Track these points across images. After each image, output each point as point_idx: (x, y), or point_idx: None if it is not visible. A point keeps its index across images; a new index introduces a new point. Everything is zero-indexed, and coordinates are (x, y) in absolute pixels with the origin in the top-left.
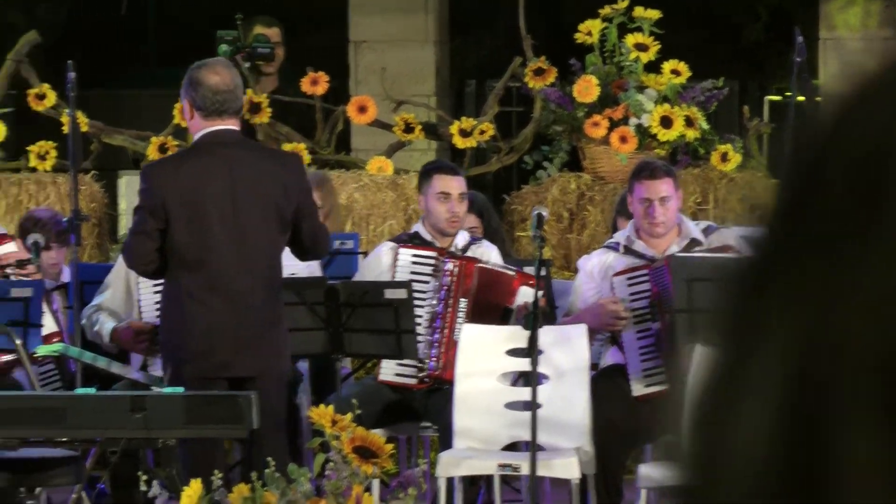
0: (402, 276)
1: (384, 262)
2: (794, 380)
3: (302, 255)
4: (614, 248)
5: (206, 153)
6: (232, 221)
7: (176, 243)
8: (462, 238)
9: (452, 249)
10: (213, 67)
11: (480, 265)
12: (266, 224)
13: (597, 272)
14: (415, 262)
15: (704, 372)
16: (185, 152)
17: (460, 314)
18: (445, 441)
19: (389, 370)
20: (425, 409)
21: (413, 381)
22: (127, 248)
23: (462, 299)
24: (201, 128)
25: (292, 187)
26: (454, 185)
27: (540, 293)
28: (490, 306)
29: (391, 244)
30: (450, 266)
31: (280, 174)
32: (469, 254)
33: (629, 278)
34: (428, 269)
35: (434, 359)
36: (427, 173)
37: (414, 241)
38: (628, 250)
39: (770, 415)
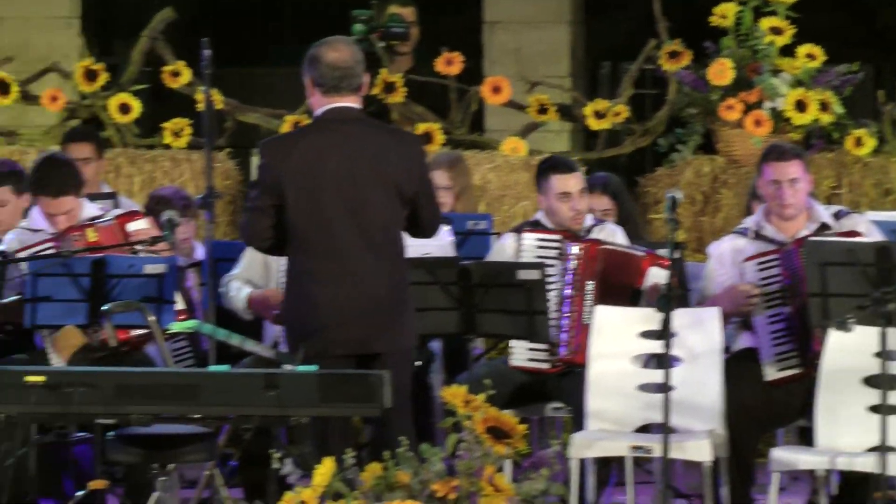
0: (526, 259)
1: (508, 250)
2: None
3: (416, 233)
4: (744, 233)
5: (325, 130)
6: (351, 198)
7: (293, 220)
8: (586, 220)
9: (577, 232)
10: (332, 44)
11: (605, 247)
12: (386, 200)
13: (727, 258)
14: (540, 247)
15: None
16: (304, 129)
17: (587, 297)
18: (578, 422)
19: (521, 355)
20: (557, 390)
21: (545, 366)
22: (242, 224)
23: (589, 282)
24: (321, 105)
25: (413, 166)
26: (573, 183)
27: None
28: (618, 288)
29: (513, 234)
30: (575, 249)
31: (400, 152)
32: (593, 235)
33: (759, 263)
34: (553, 253)
35: (565, 343)
36: (544, 172)
37: (535, 227)
38: (758, 235)
39: None
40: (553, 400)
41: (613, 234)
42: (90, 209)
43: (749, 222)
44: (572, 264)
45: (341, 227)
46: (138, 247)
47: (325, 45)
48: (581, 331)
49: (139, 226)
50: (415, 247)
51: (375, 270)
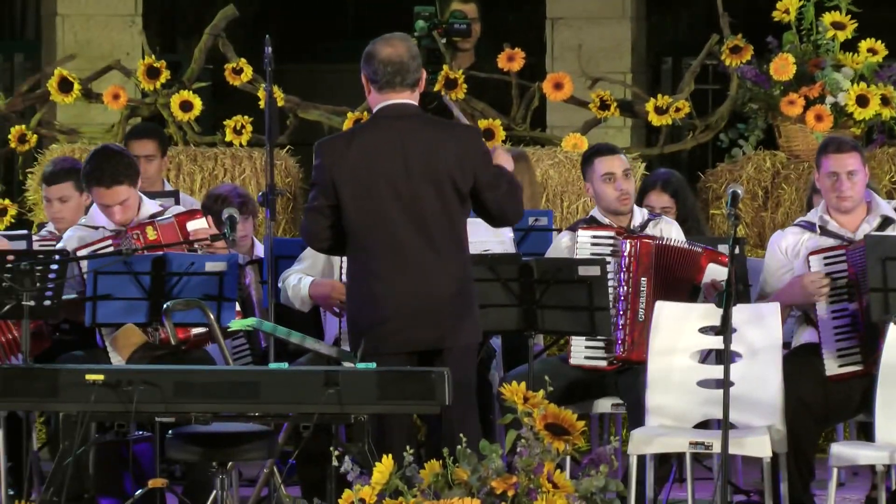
0: (582, 256)
1: (564, 248)
2: None
3: (492, 223)
4: (809, 227)
5: (379, 127)
6: (406, 195)
7: (350, 219)
8: (640, 216)
9: (632, 228)
10: (387, 40)
11: (659, 243)
12: (442, 195)
13: (791, 251)
14: (594, 244)
15: None
16: (358, 127)
17: (642, 294)
18: (636, 419)
19: (579, 353)
20: (614, 386)
21: (603, 364)
22: (302, 225)
23: (643, 278)
24: (377, 102)
25: (468, 159)
26: (616, 164)
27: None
28: (675, 284)
29: (569, 231)
30: (626, 246)
31: (454, 146)
32: (648, 231)
33: (826, 258)
34: (607, 250)
35: (620, 341)
36: (588, 159)
37: (591, 223)
38: (823, 230)
39: None
40: (611, 396)
41: (669, 229)
42: (150, 206)
43: (812, 216)
44: (626, 262)
45: (398, 224)
46: (198, 245)
47: (380, 41)
48: (636, 328)
49: (199, 224)
50: (476, 243)
51: (435, 266)
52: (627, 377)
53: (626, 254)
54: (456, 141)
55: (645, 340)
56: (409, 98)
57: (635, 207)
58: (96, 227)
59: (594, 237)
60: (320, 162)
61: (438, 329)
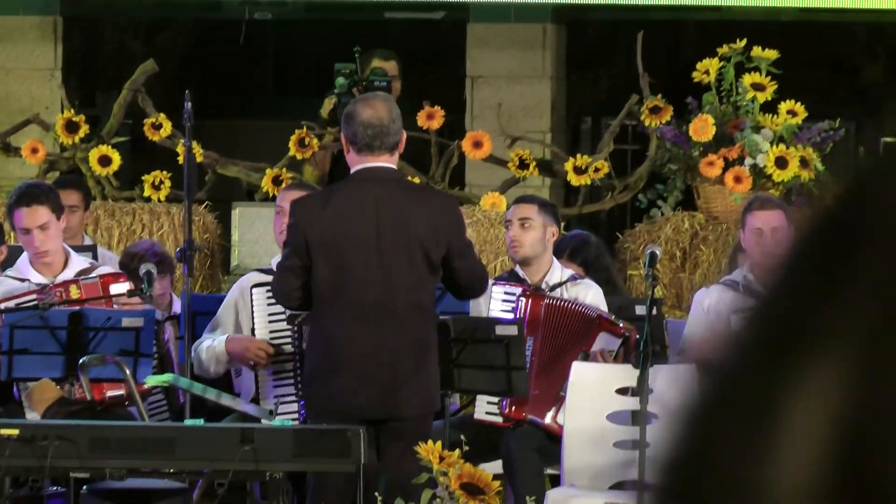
0: (494, 311)
1: (480, 300)
2: (845, 427)
3: (458, 294)
4: (733, 286)
5: (355, 190)
6: (376, 261)
7: (318, 281)
8: (559, 274)
9: (543, 286)
10: (368, 101)
11: (549, 302)
12: (411, 264)
13: (713, 309)
14: (504, 300)
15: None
16: (334, 188)
17: (528, 351)
18: (511, 481)
19: (482, 409)
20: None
21: (499, 419)
22: (273, 283)
23: (530, 337)
24: (355, 163)
25: (443, 227)
26: (516, 211)
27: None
28: (564, 346)
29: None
30: (521, 303)
31: (429, 214)
32: (562, 291)
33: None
34: (509, 307)
35: (505, 399)
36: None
37: (511, 278)
38: (746, 289)
39: (818, 456)
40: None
41: (586, 292)
42: (77, 261)
43: (737, 275)
44: (517, 317)
45: (364, 288)
46: (115, 300)
47: (361, 101)
48: None
49: (122, 288)
50: None
51: (399, 334)
52: (508, 437)
53: (519, 311)
54: (432, 209)
55: (527, 400)
56: (388, 161)
57: (556, 266)
58: (22, 280)
59: (505, 293)
60: (294, 221)
61: (393, 397)
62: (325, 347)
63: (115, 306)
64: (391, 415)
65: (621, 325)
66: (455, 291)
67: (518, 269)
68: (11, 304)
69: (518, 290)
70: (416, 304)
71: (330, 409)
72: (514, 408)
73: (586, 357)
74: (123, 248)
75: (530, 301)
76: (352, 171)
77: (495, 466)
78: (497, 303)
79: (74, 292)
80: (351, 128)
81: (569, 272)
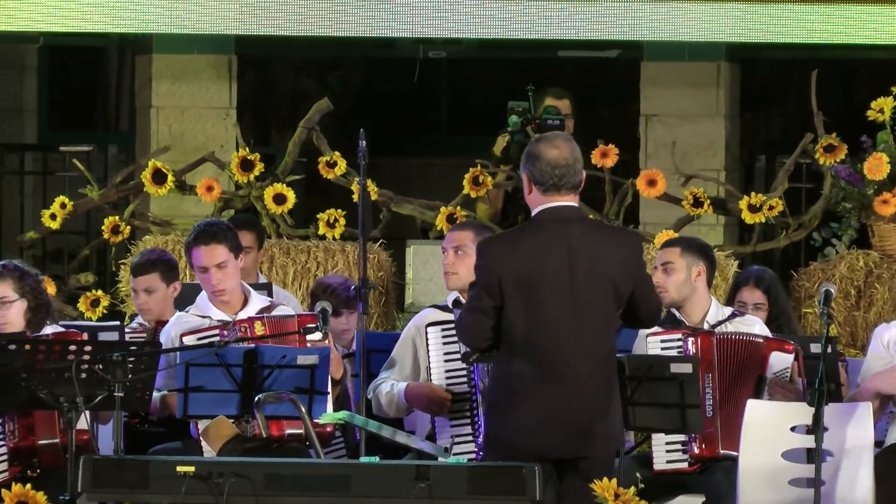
0: None
1: (639, 350)
2: None
3: (634, 324)
4: None
5: (544, 230)
6: (570, 300)
7: (511, 322)
8: (716, 314)
9: (704, 327)
10: (552, 141)
11: (719, 336)
12: (603, 303)
13: (892, 344)
14: (664, 348)
15: None
16: (522, 228)
17: (708, 390)
18: None
19: (661, 458)
20: (696, 485)
21: (684, 465)
22: (461, 323)
23: (707, 374)
24: (539, 203)
25: (630, 265)
26: (662, 257)
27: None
28: (740, 376)
29: (643, 332)
30: (689, 344)
31: (618, 252)
32: (724, 328)
33: None
34: (674, 353)
35: (693, 439)
36: None
37: (668, 321)
38: None
39: None
40: (696, 492)
41: (751, 326)
42: (258, 300)
43: None
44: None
45: (560, 328)
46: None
47: (544, 141)
48: (707, 425)
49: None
50: None
51: (590, 377)
52: (708, 476)
53: (689, 352)
54: (620, 246)
55: (716, 437)
56: (572, 200)
57: (715, 305)
58: (203, 317)
59: (662, 341)
60: (484, 262)
61: (581, 441)
62: (513, 385)
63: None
64: (579, 454)
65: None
66: (633, 323)
67: (675, 311)
68: (194, 339)
69: (676, 336)
70: (607, 342)
71: (514, 447)
72: (704, 446)
73: (764, 380)
74: (300, 286)
75: (699, 340)
76: (536, 210)
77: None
78: (656, 352)
79: (259, 328)
80: (537, 167)
81: (729, 310)
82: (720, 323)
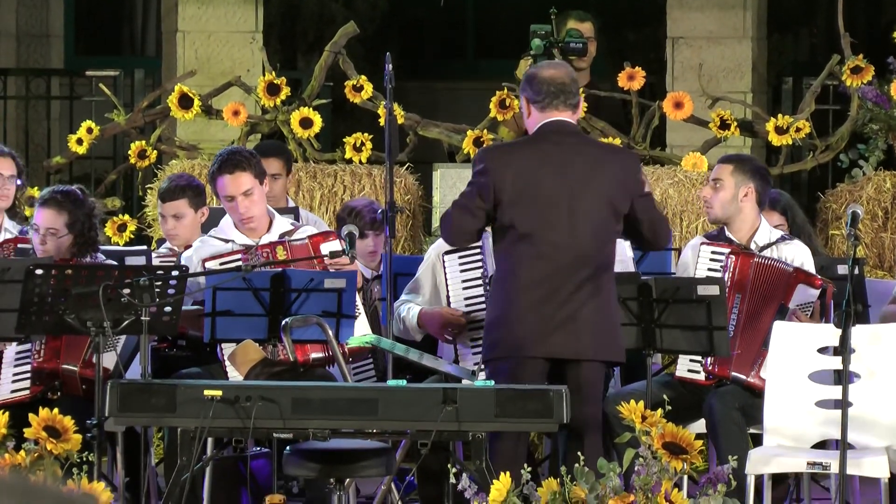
0: (701, 272)
1: (688, 260)
2: None
3: (643, 247)
4: None
5: (543, 142)
6: (565, 208)
7: (504, 227)
8: (766, 236)
9: (752, 246)
10: (549, 63)
11: (758, 261)
12: (598, 213)
13: None
14: (712, 259)
15: None
16: (522, 140)
17: (734, 310)
18: (714, 438)
19: (684, 366)
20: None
21: (701, 377)
22: (446, 218)
23: (737, 295)
24: (538, 120)
25: (627, 183)
26: (714, 172)
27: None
28: (766, 302)
29: (697, 241)
30: (730, 262)
31: (615, 167)
32: (772, 252)
33: None
34: (718, 266)
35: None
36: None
37: (720, 237)
38: None
39: None
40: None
41: (794, 252)
42: (281, 223)
43: None
44: (726, 275)
45: (551, 234)
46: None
47: (541, 65)
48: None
49: (333, 247)
50: None
51: (585, 282)
52: (711, 397)
53: (727, 268)
54: (617, 163)
55: (731, 358)
56: (571, 117)
57: (765, 226)
58: (226, 241)
59: (713, 252)
60: (483, 167)
61: (579, 341)
62: (511, 290)
63: (327, 267)
64: (575, 357)
65: (818, 277)
66: (638, 243)
67: (725, 228)
68: (216, 263)
69: (727, 250)
70: (602, 251)
71: (511, 347)
72: (717, 366)
73: (785, 310)
74: (327, 209)
75: (740, 260)
76: (533, 128)
77: (698, 426)
78: (705, 261)
79: (281, 254)
80: (533, 87)
81: (778, 233)
82: (768, 245)
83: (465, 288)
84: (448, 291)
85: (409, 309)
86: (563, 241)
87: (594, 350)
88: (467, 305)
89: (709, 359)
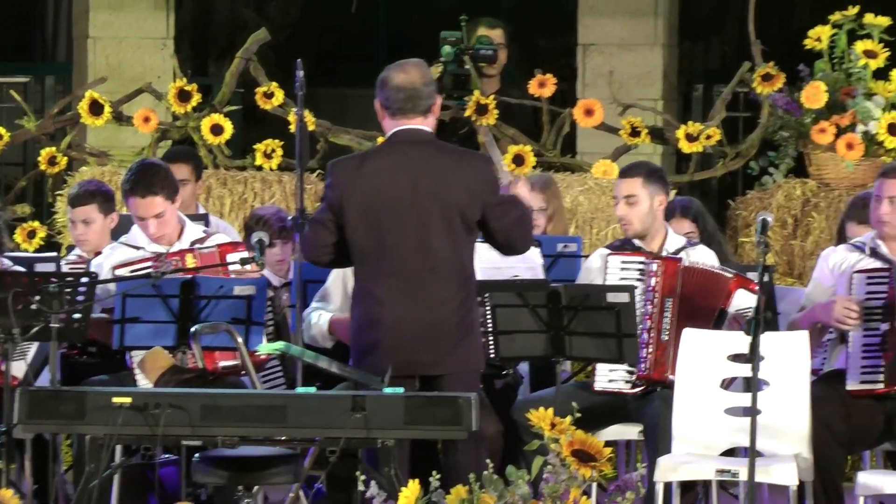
0: (611, 281)
1: (594, 268)
2: None
3: (501, 251)
4: (860, 248)
5: (391, 152)
6: (413, 222)
7: (354, 242)
8: (674, 242)
9: (663, 253)
10: (402, 66)
11: (686, 265)
12: (449, 223)
13: (837, 267)
14: (623, 269)
15: None
16: (371, 151)
17: (666, 314)
18: (652, 444)
19: (603, 377)
20: (637, 412)
21: (627, 387)
22: (304, 236)
23: (668, 299)
24: (390, 127)
25: (478, 189)
26: (620, 188)
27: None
28: (701, 307)
29: (603, 251)
30: (654, 266)
31: (465, 175)
32: (682, 257)
33: (869, 277)
34: (635, 274)
35: (643, 360)
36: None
37: (625, 247)
38: (873, 252)
39: None
40: (634, 421)
41: (704, 257)
42: (192, 230)
43: (865, 239)
44: (652, 281)
45: (402, 249)
46: (231, 268)
47: (394, 67)
48: (659, 347)
49: (237, 257)
50: (505, 269)
51: (437, 293)
52: (646, 404)
53: (653, 273)
54: (466, 170)
55: (667, 361)
56: (422, 124)
57: (671, 233)
58: (137, 248)
59: (623, 262)
60: (331, 181)
61: (438, 355)
62: (367, 308)
63: (231, 275)
64: (433, 371)
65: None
66: (498, 249)
67: (634, 238)
68: (126, 271)
69: (640, 258)
70: (455, 263)
71: (374, 366)
72: (653, 368)
73: (725, 314)
74: (237, 216)
75: (665, 264)
76: (388, 134)
77: (608, 433)
78: (615, 271)
79: (190, 261)
80: (384, 93)
81: (683, 239)
82: (678, 251)
83: None
84: None
85: (320, 316)
86: (413, 255)
87: (454, 365)
88: None
89: (643, 363)
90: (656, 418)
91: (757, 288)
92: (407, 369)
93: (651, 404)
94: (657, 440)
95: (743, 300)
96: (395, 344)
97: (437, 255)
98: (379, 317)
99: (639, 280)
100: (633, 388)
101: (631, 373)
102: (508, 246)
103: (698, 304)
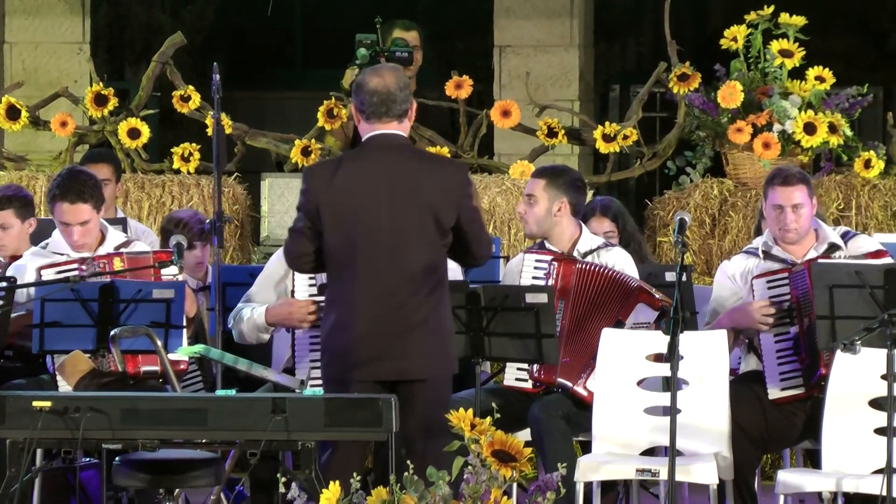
0: (526, 280)
1: (514, 267)
2: None
3: (464, 261)
4: (754, 253)
5: (366, 157)
6: (388, 226)
7: (329, 247)
8: (588, 243)
9: (574, 254)
10: (377, 71)
11: (581, 267)
12: (423, 229)
13: (738, 276)
14: (536, 268)
15: None
16: (346, 155)
17: (559, 316)
18: (539, 446)
19: (511, 375)
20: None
21: (529, 385)
22: (285, 246)
23: (560, 301)
24: (366, 132)
25: (453, 194)
26: (527, 187)
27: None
28: (597, 311)
29: (522, 254)
30: (552, 268)
31: (439, 181)
32: (593, 259)
33: (769, 281)
34: (541, 274)
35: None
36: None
37: (542, 247)
38: (768, 255)
39: None
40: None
41: (615, 259)
42: (115, 236)
43: (758, 242)
44: (549, 282)
45: (375, 253)
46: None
47: (370, 71)
48: None
49: (169, 271)
50: None
51: (409, 298)
52: (534, 407)
53: (549, 274)
54: (442, 175)
55: (557, 365)
56: (397, 129)
57: (586, 234)
58: (60, 254)
59: (537, 260)
60: (306, 187)
61: (408, 359)
62: (339, 312)
63: (162, 278)
64: (404, 376)
65: (659, 296)
66: (462, 258)
67: (547, 242)
68: (52, 272)
69: (549, 257)
70: (429, 267)
71: (345, 371)
72: (543, 373)
73: (621, 325)
74: (155, 220)
75: (562, 267)
76: (363, 139)
77: (528, 434)
78: (529, 270)
79: (118, 265)
80: (359, 97)
81: (600, 240)
82: (590, 252)
83: (310, 285)
84: (294, 287)
85: (254, 309)
86: (387, 262)
87: (424, 370)
88: (311, 296)
89: (535, 366)
90: (538, 423)
91: (660, 304)
92: (378, 374)
93: (535, 408)
94: (542, 445)
95: (642, 314)
96: (366, 348)
97: (410, 260)
98: (350, 321)
99: (543, 280)
100: (534, 386)
101: (529, 372)
102: (477, 254)
103: (592, 307)
